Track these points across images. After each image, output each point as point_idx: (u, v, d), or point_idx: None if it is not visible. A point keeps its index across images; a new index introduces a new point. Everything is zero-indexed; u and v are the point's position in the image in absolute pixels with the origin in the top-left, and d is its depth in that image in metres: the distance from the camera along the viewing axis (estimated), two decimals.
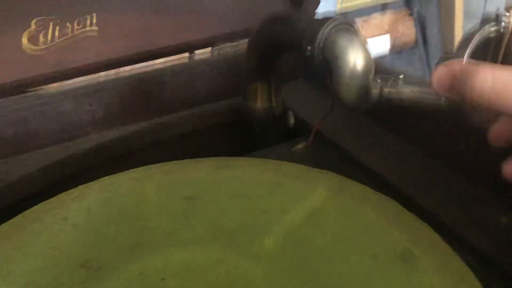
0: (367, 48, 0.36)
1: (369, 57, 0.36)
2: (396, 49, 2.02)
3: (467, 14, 1.91)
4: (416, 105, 0.34)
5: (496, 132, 0.30)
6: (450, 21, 1.94)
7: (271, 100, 0.48)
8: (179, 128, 0.52)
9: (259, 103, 0.48)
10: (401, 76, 0.36)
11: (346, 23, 0.36)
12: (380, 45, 2.01)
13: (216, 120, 0.53)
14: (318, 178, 0.36)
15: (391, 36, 2.06)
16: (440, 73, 0.28)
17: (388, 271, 0.28)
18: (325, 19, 0.36)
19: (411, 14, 2.03)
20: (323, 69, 0.37)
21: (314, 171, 0.37)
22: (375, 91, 0.36)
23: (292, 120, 0.52)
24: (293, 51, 0.43)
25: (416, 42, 2.01)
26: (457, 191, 0.37)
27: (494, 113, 0.28)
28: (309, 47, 0.37)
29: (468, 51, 0.30)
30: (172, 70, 0.53)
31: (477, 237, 0.32)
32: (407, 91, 0.34)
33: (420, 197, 0.36)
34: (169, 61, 0.54)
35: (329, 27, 0.36)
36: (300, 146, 0.45)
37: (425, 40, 2.00)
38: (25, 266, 0.30)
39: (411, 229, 0.31)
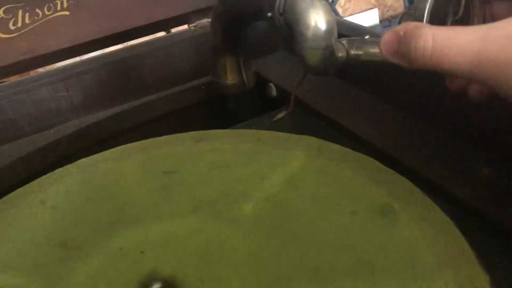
0: (328, 9, 0.35)
1: (331, 18, 0.35)
2: (385, 23, 2.01)
3: None
4: (386, 65, 0.33)
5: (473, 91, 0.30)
6: None
7: (241, 75, 0.48)
8: (160, 108, 0.51)
9: (229, 79, 0.47)
10: (366, 37, 0.35)
11: None
12: (369, 19, 2.00)
13: (196, 97, 0.52)
14: (296, 143, 0.36)
15: (379, 10, 2.04)
16: (386, 40, 0.28)
17: (367, 227, 0.28)
18: None
19: None
20: (286, 34, 0.36)
21: (293, 137, 0.37)
22: (340, 54, 0.35)
23: (273, 92, 0.51)
24: (256, 19, 0.42)
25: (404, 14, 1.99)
26: (438, 146, 0.37)
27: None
28: (269, 13, 0.36)
29: (429, 2, 0.30)
30: (150, 50, 0.52)
31: (459, 188, 0.32)
32: (374, 52, 0.34)
33: (401, 154, 0.36)
34: (146, 41, 0.54)
35: None
36: (280, 114, 0.45)
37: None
38: (3, 249, 0.30)
39: (390, 184, 0.31)
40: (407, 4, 1.97)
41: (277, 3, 0.36)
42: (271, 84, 0.52)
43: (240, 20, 0.44)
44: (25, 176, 0.46)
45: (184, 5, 0.54)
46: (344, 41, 0.36)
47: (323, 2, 0.35)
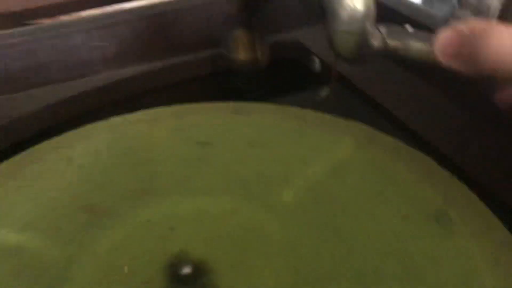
0: None
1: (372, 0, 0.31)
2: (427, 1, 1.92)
3: None
4: (424, 65, 0.29)
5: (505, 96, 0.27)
6: None
7: (255, 50, 0.44)
8: (195, 70, 0.48)
9: (242, 54, 0.44)
10: (410, 29, 0.31)
11: None
12: None
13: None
14: (345, 128, 0.33)
15: None
16: (444, 40, 0.24)
17: (420, 234, 0.25)
18: None
19: None
20: (318, 13, 0.33)
21: (341, 121, 0.34)
22: (376, 43, 0.31)
23: (317, 66, 0.48)
24: None
25: None
26: (497, 150, 0.33)
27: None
28: None
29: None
30: (190, 7, 0.49)
31: None
32: (417, 48, 0.29)
33: (457, 156, 0.33)
34: None
35: None
36: (323, 93, 0.41)
37: None
38: (25, 207, 0.28)
39: (447, 189, 0.28)
40: None
41: None
42: (315, 57, 0.49)
43: None
44: (49, 124, 0.44)
45: None
46: (382, 28, 0.32)
47: None
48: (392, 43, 0.31)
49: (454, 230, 0.25)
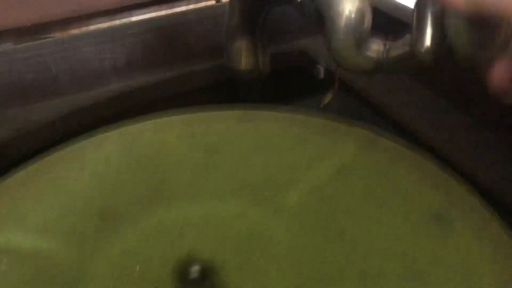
0: None
1: (367, 8, 0.32)
2: None
3: None
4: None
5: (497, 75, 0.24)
6: None
7: (257, 60, 0.45)
8: (204, 79, 0.50)
9: (243, 64, 0.44)
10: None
11: None
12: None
13: None
14: (347, 133, 0.34)
15: None
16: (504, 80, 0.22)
17: (421, 233, 0.26)
18: None
19: None
20: (316, 22, 0.34)
21: (343, 126, 0.35)
22: (375, 54, 0.31)
23: (321, 74, 0.49)
24: (281, 3, 0.39)
25: None
26: (495, 152, 0.34)
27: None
28: None
29: None
30: (198, 18, 0.50)
31: None
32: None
33: (457, 157, 0.34)
34: (194, 8, 0.52)
35: None
36: (326, 99, 0.42)
37: None
38: (40, 213, 0.30)
39: (447, 190, 0.29)
40: None
41: None
42: (319, 66, 0.50)
43: (263, 2, 0.41)
44: (63, 134, 0.45)
45: None
46: (389, 37, 0.32)
47: None
48: (394, 50, 0.31)
49: (454, 229, 0.26)
